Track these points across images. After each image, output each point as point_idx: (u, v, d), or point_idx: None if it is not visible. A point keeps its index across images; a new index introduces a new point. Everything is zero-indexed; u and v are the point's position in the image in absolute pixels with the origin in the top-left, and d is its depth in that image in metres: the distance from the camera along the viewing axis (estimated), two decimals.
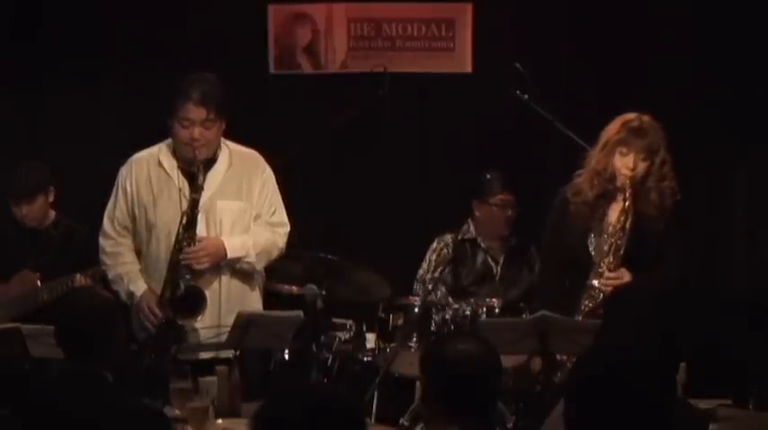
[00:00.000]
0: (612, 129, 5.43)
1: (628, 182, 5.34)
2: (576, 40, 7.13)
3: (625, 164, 5.36)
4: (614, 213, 5.41)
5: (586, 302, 5.35)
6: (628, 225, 5.35)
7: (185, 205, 5.52)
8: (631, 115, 5.43)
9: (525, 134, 6.82)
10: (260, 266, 5.74)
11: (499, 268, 6.54)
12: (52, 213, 6.33)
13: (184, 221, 5.50)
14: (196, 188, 5.52)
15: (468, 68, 7.28)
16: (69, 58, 7.12)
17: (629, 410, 2.98)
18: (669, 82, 6.95)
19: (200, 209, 5.51)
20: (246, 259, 5.63)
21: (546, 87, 6.44)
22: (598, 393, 3.01)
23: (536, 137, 6.74)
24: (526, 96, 6.31)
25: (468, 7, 7.26)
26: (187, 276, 5.48)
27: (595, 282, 5.35)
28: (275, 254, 5.76)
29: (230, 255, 5.58)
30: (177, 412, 4.79)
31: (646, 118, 5.41)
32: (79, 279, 5.95)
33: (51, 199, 6.26)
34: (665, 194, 5.40)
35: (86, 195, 6.45)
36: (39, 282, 6.11)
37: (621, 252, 5.34)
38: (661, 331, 3.87)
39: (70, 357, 4.18)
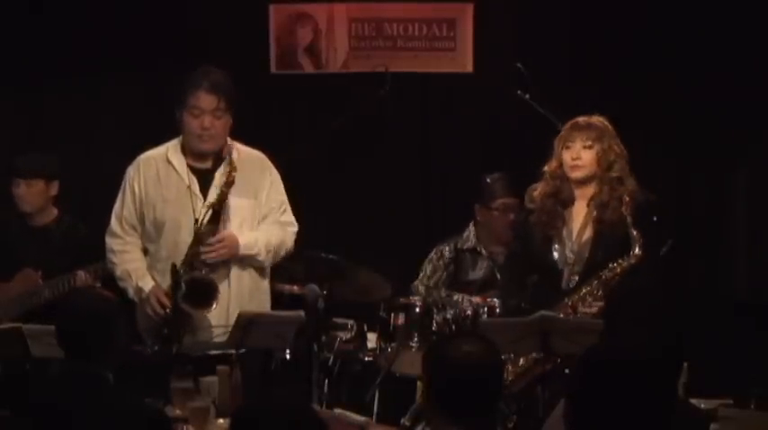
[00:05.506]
0: (562, 131, 5.54)
1: (579, 175, 5.40)
2: (576, 40, 7.12)
3: (570, 155, 5.45)
4: (576, 219, 5.45)
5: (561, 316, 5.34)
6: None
7: (196, 202, 5.54)
8: (581, 117, 5.51)
9: (526, 134, 6.81)
10: (268, 265, 5.74)
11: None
12: (54, 210, 6.33)
13: (210, 214, 5.50)
14: (228, 182, 5.52)
15: (470, 68, 7.28)
16: (69, 58, 7.12)
17: (630, 410, 2.98)
18: (670, 82, 6.95)
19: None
20: (257, 257, 5.65)
21: (547, 87, 6.43)
22: (599, 393, 3.02)
23: (537, 136, 6.72)
24: (527, 96, 6.31)
25: (469, 7, 7.25)
26: (204, 270, 5.50)
27: (567, 301, 5.36)
28: (283, 253, 5.77)
29: (242, 251, 5.59)
30: (178, 412, 4.78)
31: (595, 117, 5.48)
32: (81, 276, 5.96)
33: (53, 192, 6.25)
34: (621, 197, 5.39)
35: (86, 195, 6.44)
36: (40, 281, 6.12)
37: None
38: (662, 332, 3.87)
39: (71, 357, 4.19)
